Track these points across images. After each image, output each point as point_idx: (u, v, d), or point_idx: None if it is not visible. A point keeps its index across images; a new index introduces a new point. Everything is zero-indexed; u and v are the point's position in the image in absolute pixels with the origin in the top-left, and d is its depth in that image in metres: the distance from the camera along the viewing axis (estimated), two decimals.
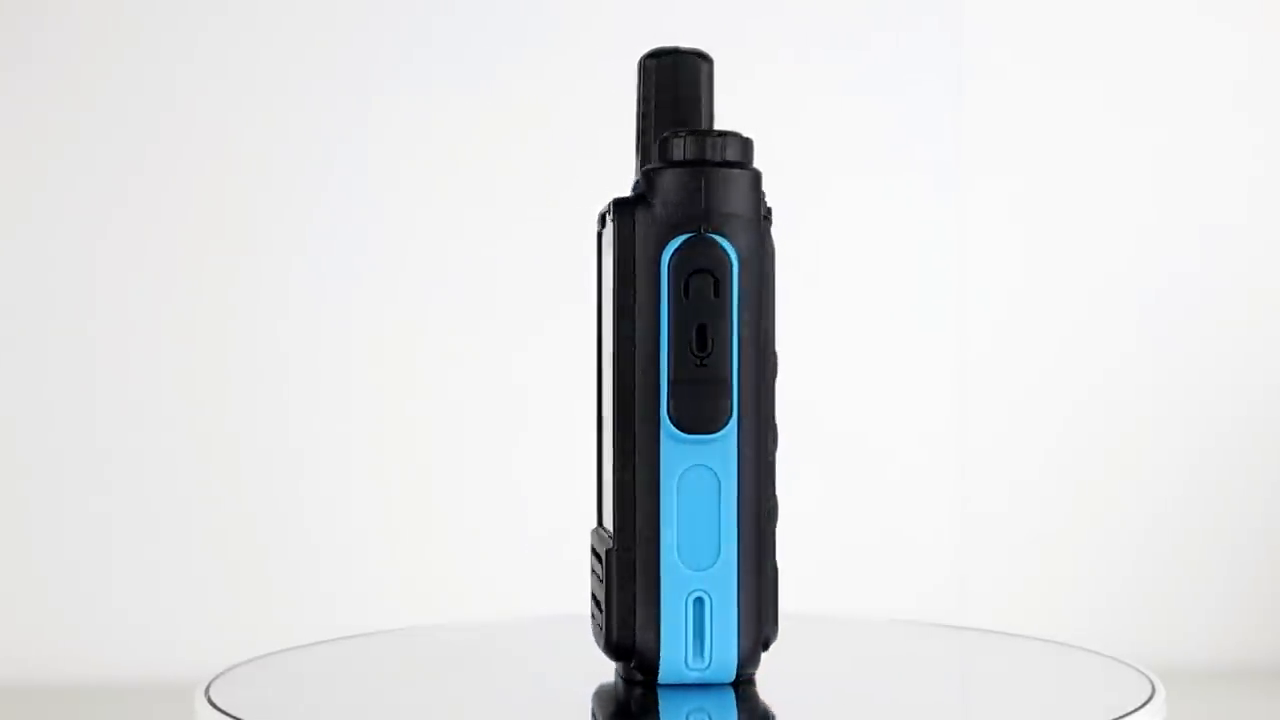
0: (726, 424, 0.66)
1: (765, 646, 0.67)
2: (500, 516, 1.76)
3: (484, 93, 1.78)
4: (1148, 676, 0.71)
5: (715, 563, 0.65)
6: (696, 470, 0.66)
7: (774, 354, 0.67)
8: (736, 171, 0.65)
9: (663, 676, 0.66)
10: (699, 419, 0.65)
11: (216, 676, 0.73)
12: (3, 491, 1.77)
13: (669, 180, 0.65)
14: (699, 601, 0.66)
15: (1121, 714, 0.65)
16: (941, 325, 1.82)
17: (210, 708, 0.67)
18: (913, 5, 1.82)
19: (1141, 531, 1.82)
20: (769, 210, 0.67)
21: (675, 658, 0.66)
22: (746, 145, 0.66)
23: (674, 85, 0.69)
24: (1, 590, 1.77)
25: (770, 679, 0.68)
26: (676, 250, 0.65)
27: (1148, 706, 0.66)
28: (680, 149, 0.65)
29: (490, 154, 1.79)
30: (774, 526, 0.67)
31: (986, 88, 1.82)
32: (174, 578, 1.76)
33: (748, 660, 0.66)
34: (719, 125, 0.69)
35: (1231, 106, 1.83)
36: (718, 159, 0.65)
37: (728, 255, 0.65)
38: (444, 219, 1.80)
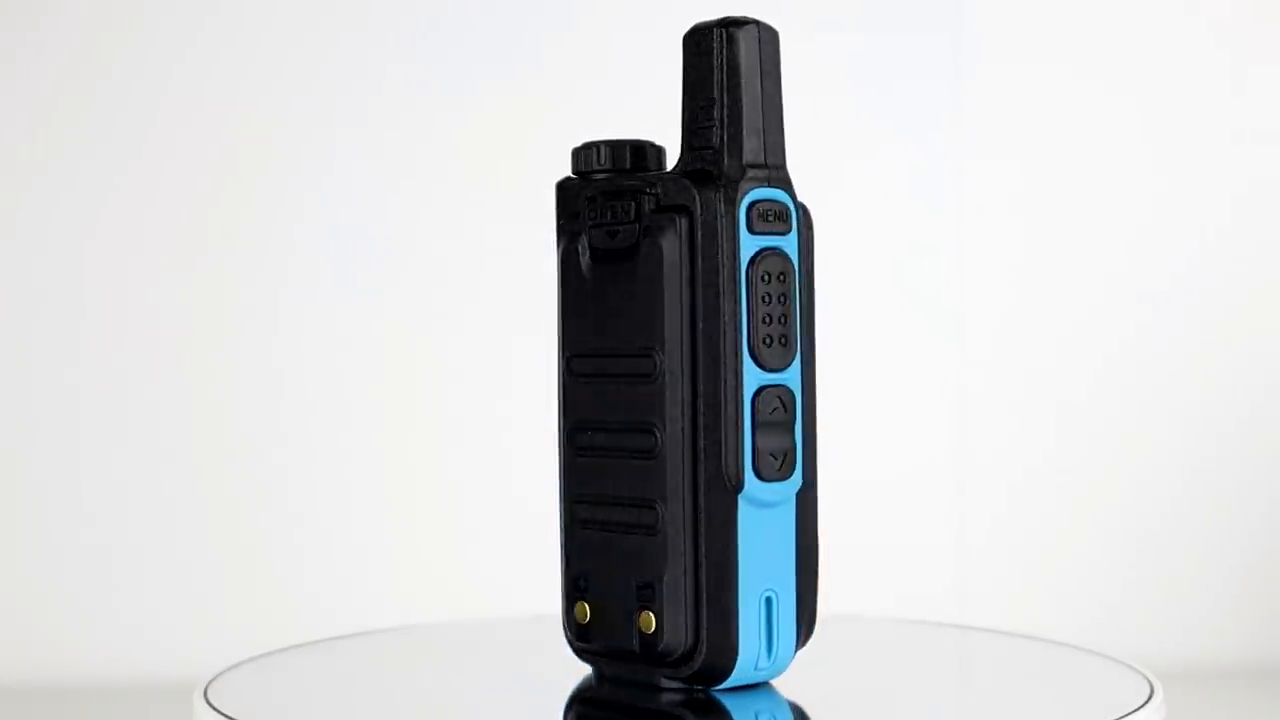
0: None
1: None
2: (501, 515, 1.76)
3: (486, 87, 1.78)
4: (1147, 677, 0.71)
5: None
6: None
7: (565, 359, 0.69)
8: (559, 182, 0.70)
9: None
10: None
11: (214, 677, 0.73)
12: (1, 491, 1.77)
13: None
14: None
15: (1121, 714, 0.65)
16: (940, 322, 1.82)
17: (208, 708, 0.67)
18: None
19: (1141, 531, 1.82)
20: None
21: None
22: (575, 156, 0.69)
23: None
24: (0, 590, 1.77)
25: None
26: None
27: (1148, 706, 0.66)
28: None
29: (496, 147, 1.79)
30: (578, 532, 0.71)
31: (984, 85, 1.82)
32: (172, 577, 1.76)
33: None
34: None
35: (1235, 101, 1.83)
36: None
37: None
38: (443, 213, 1.79)
